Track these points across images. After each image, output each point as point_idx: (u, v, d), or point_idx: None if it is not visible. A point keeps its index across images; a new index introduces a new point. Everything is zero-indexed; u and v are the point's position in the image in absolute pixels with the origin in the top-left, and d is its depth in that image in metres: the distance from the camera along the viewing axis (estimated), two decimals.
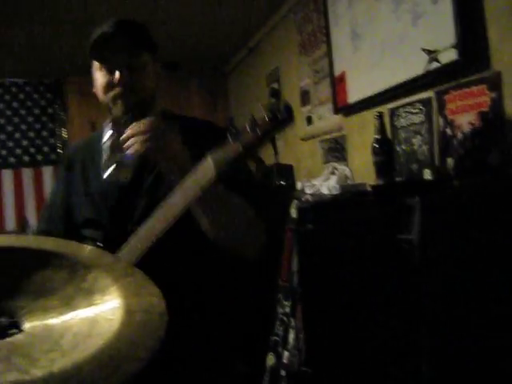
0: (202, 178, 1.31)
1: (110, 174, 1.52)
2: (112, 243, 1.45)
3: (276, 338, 2.70)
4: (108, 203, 1.65)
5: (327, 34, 3.76)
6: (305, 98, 4.37)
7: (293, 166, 4.46)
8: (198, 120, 1.85)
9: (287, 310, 2.75)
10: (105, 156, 1.65)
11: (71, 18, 4.64)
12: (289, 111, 1.30)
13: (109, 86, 1.63)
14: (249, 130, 1.29)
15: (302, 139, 4.45)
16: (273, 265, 2.60)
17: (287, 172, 4.23)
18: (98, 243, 1.56)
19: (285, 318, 2.76)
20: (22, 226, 6.24)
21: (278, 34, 5.02)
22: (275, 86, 5.11)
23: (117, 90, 1.62)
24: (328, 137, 3.96)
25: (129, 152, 1.45)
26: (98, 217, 1.67)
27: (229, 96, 7.00)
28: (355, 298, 2.24)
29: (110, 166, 1.52)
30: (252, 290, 1.69)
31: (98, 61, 1.66)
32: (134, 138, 1.45)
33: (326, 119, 3.98)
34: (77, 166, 1.79)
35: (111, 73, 1.62)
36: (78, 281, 1.03)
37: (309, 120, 4.29)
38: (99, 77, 1.66)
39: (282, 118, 1.29)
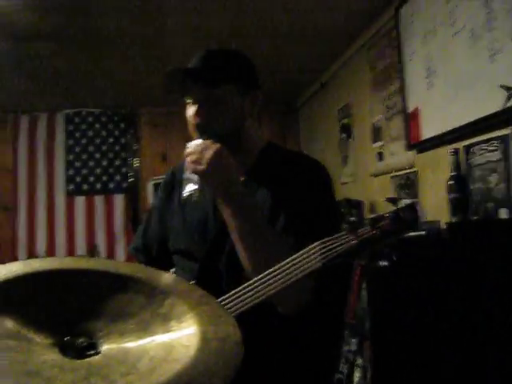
0: (306, 264, 1.27)
1: (185, 193, 1.54)
2: (205, 277, 1.51)
3: (340, 375, 2.65)
4: (204, 237, 1.68)
5: (401, 70, 3.74)
6: (376, 133, 4.34)
7: (363, 201, 4.42)
8: (302, 156, 1.83)
9: (353, 347, 2.70)
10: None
11: (147, 52, 4.77)
12: (414, 214, 1.26)
13: (190, 118, 1.66)
14: (369, 225, 1.25)
15: (373, 175, 4.41)
16: (338, 301, 2.55)
17: (356, 208, 4.19)
18: (192, 280, 1.57)
19: (350, 356, 2.71)
20: (92, 252, 6.37)
21: (350, 70, 5.02)
22: (346, 121, 5.10)
23: (195, 121, 1.64)
24: (399, 173, 3.91)
25: (187, 169, 1.51)
26: (193, 249, 1.70)
27: (299, 130, 7.02)
28: (427, 336, 2.18)
29: (184, 184, 1.54)
30: (316, 327, 1.65)
31: (177, 93, 1.70)
32: (189, 156, 1.49)
33: (398, 155, 3.94)
34: (178, 189, 1.83)
35: (193, 105, 1.66)
36: (155, 306, 1.03)
37: (380, 156, 4.25)
38: (187, 107, 1.69)
39: (406, 219, 1.25)
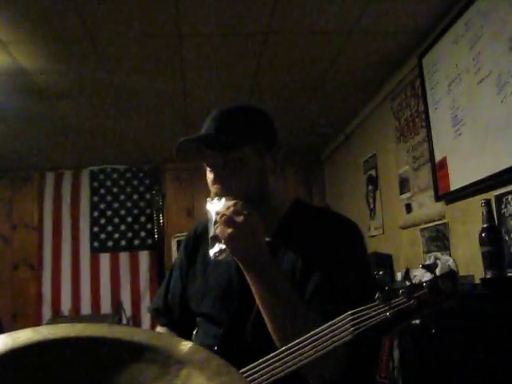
0: (337, 335, 1.19)
1: (213, 252, 1.46)
2: (229, 343, 1.47)
3: None
4: (227, 302, 1.61)
5: (427, 119, 3.69)
6: (403, 185, 4.26)
7: (391, 255, 4.31)
8: (333, 215, 1.73)
9: None
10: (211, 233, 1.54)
11: (170, 107, 4.81)
12: (454, 284, 1.17)
13: (211, 183, 1.60)
14: (404, 294, 1.17)
15: (401, 228, 4.31)
16: (369, 360, 2.44)
17: (386, 262, 4.10)
18: (214, 347, 1.52)
19: None
20: (117, 310, 6.32)
21: (374, 121, 4.99)
22: (372, 173, 5.03)
23: (215, 188, 1.58)
24: (429, 225, 3.81)
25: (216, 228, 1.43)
26: (217, 313, 1.63)
27: (325, 183, 6.98)
28: None
29: (212, 243, 1.47)
30: None
31: (193, 161, 1.65)
32: (218, 216, 1.42)
33: (427, 207, 3.84)
34: (201, 250, 1.78)
35: (211, 171, 1.60)
36: (171, 377, 0.96)
37: (408, 208, 4.16)
38: (207, 172, 1.63)
39: (446, 290, 1.16)
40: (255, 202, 1.52)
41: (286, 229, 1.63)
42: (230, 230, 1.38)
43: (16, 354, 0.94)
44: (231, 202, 1.44)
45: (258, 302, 1.44)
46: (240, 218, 1.39)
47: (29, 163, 6.45)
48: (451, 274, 1.17)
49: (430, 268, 1.18)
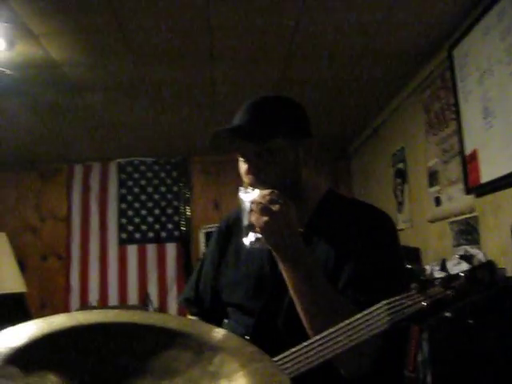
0: (373, 324, 1.19)
1: (248, 240, 1.46)
2: (260, 333, 1.48)
3: None
4: (260, 292, 1.61)
5: (457, 112, 3.64)
6: (433, 178, 4.21)
7: (420, 248, 4.27)
8: (366, 206, 1.72)
9: None
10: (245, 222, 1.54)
11: (198, 100, 4.81)
12: (492, 274, 1.17)
13: (244, 174, 1.61)
14: (441, 284, 1.18)
15: (430, 221, 4.27)
16: (398, 353, 2.43)
17: (414, 255, 4.06)
18: (245, 337, 1.51)
19: None
20: (144, 301, 6.35)
21: (403, 113, 4.94)
22: (401, 166, 4.99)
23: (248, 178, 1.59)
24: (458, 218, 3.76)
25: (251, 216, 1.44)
26: (249, 303, 1.63)
27: (352, 176, 6.94)
28: None
29: (246, 232, 1.46)
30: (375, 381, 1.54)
31: (226, 151, 1.66)
32: (254, 204, 1.42)
33: (457, 200, 3.80)
34: (233, 240, 1.79)
35: (245, 162, 1.61)
36: (204, 363, 0.96)
37: (437, 201, 4.12)
38: (240, 163, 1.64)
39: (483, 281, 1.16)
40: (288, 192, 1.52)
41: (318, 219, 1.63)
42: (265, 219, 1.38)
43: (51, 339, 0.95)
44: (267, 191, 1.44)
45: (291, 291, 1.44)
46: (276, 207, 1.39)
47: (57, 155, 6.51)
48: (489, 265, 1.15)
49: (468, 258, 1.17)
